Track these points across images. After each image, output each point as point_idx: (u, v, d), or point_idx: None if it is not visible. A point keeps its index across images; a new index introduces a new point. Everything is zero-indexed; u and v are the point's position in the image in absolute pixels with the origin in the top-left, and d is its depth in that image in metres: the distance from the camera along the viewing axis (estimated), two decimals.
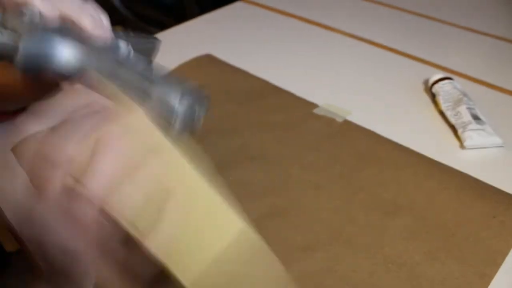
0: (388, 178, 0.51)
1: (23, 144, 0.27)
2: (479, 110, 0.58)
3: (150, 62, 0.36)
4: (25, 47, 0.29)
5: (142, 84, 0.30)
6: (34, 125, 0.27)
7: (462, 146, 0.55)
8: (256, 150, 0.55)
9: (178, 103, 0.30)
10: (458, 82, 0.63)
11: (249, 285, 0.28)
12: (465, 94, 0.60)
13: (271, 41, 0.80)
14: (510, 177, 0.51)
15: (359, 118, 0.60)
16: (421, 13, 0.89)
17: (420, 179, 0.50)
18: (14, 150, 0.28)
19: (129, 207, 0.25)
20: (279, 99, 0.64)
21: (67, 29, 0.31)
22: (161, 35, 0.82)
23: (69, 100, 0.28)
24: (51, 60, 0.30)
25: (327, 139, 0.56)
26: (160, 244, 0.25)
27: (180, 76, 0.32)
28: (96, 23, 0.31)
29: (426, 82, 0.66)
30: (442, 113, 0.60)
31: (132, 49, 0.33)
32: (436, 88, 0.62)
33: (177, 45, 0.78)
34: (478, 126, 0.55)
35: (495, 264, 0.41)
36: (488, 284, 0.40)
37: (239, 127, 0.58)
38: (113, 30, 0.34)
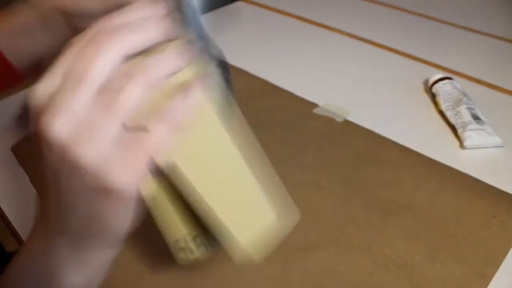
0: (388, 178, 0.51)
1: None
2: (479, 110, 0.58)
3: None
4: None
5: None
6: None
7: (462, 146, 0.55)
8: None
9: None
10: (458, 82, 0.63)
11: None
12: (465, 94, 0.60)
13: (271, 41, 0.80)
14: (510, 177, 0.51)
15: (359, 118, 0.60)
16: (421, 13, 0.89)
17: (420, 179, 0.50)
18: None
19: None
20: (279, 99, 0.64)
21: None
22: None
23: None
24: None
25: (327, 139, 0.56)
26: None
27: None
28: None
29: (426, 82, 0.66)
30: (442, 113, 0.60)
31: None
32: (436, 88, 0.62)
33: None
34: (478, 126, 0.55)
35: (495, 264, 0.41)
36: (488, 284, 0.40)
37: None
38: None
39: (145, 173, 0.25)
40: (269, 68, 0.71)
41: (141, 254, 0.42)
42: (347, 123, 0.59)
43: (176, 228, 0.29)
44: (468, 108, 0.57)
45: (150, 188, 0.26)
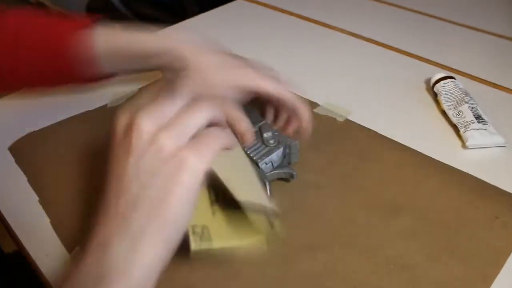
0: (389, 178, 0.50)
1: None
2: (481, 110, 0.57)
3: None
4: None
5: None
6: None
7: (464, 145, 0.54)
8: None
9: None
10: (460, 81, 0.63)
11: None
12: (467, 93, 0.60)
13: (271, 39, 0.80)
14: None
15: (360, 117, 0.59)
16: (423, 11, 0.88)
17: (422, 179, 0.50)
18: None
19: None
20: None
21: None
22: None
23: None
24: None
25: (327, 138, 0.56)
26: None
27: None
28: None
29: (427, 81, 0.66)
30: (444, 113, 0.60)
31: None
32: (437, 88, 0.62)
33: None
34: (481, 126, 0.54)
35: (498, 265, 0.41)
36: (490, 285, 0.39)
37: None
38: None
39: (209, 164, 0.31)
40: None
41: None
42: (348, 122, 0.59)
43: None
44: (470, 108, 0.57)
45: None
